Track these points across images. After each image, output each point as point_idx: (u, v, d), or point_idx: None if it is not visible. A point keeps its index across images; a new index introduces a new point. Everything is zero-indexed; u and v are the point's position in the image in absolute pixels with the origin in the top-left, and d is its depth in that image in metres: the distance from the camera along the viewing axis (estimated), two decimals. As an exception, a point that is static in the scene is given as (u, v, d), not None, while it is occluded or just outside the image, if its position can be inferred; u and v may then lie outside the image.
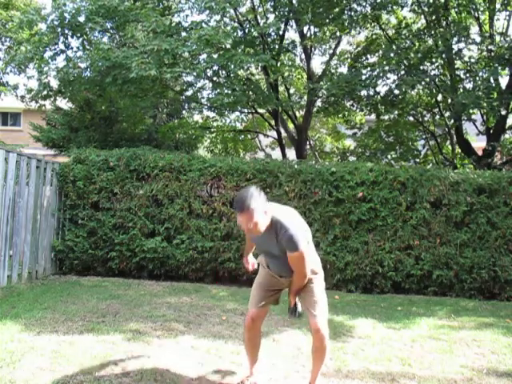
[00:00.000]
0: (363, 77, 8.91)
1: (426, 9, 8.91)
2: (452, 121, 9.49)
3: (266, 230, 2.54)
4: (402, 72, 8.77)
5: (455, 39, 8.60)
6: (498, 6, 8.95)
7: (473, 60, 9.18)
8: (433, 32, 9.03)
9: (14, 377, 2.82)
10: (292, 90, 13.44)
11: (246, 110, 11.75)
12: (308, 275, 2.65)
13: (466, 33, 8.65)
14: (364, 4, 9.24)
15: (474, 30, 9.67)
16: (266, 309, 2.89)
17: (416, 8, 9.32)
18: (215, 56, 8.27)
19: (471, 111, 8.82)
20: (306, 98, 11.45)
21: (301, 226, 2.63)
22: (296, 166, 6.58)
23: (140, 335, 3.76)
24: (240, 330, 4.07)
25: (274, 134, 12.84)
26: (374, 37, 10.72)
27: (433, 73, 9.18)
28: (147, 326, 4.05)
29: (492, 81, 8.62)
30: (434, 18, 9.19)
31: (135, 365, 3.13)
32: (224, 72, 9.25)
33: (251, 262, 3.10)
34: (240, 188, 6.46)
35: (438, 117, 10.92)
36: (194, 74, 8.63)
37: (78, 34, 8.80)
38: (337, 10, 9.14)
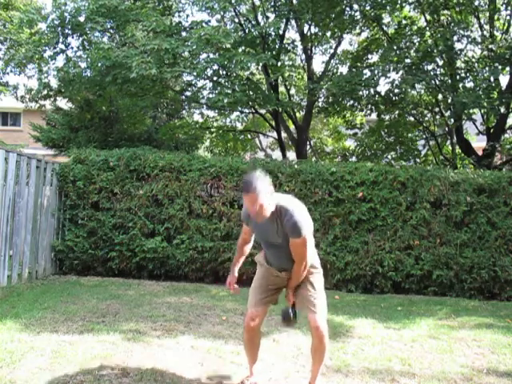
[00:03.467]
0: (364, 76, 8.91)
1: (427, 8, 8.90)
2: (452, 120, 9.49)
3: (269, 217, 2.52)
4: (402, 72, 8.76)
5: (455, 38, 8.61)
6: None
7: (473, 59, 9.18)
8: (433, 31, 9.03)
9: (14, 377, 2.82)
10: (292, 91, 13.44)
11: (246, 110, 11.75)
12: (308, 266, 2.65)
13: (467, 32, 8.66)
14: (364, 4, 9.23)
15: (475, 29, 9.68)
16: (266, 309, 2.86)
17: (416, 6, 9.31)
18: (215, 56, 8.27)
19: (471, 111, 8.82)
20: (306, 98, 11.45)
21: (305, 213, 2.60)
22: (296, 166, 6.58)
23: (140, 335, 3.76)
24: (240, 329, 4.07)
25: (274, 134, 12.83)
26: (374, 36, 10.71)
27: (433, 72, 9.17)
28: (147, 326, 4.05)
29: (492, 80, 8.62)
30: (434, 17, 9.19)
31: (135, 365, 3.12)
32: (224, 72, 9.25)
33: (234, 283, 2.95)
34: (240, 188, 6.47)
35: (438, 116, 10.92)
36: (194, 73, 8.64)
37: (78, 34, 8.81)
38: (337, 9, 9.14)
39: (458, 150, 10.87)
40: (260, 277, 2.87)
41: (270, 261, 2.80)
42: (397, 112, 10.77)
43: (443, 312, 5.25)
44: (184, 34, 8.75)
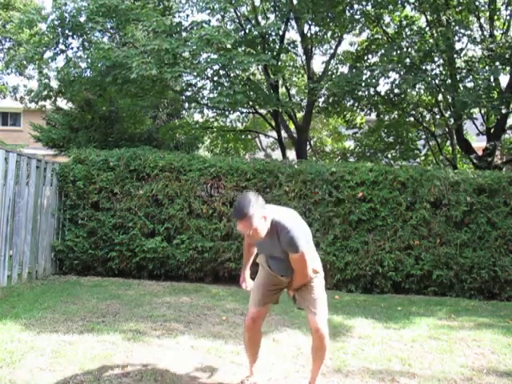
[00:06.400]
0: (364, 76, 8.91)
1: (427, 8, 8.90)
2: (452, 120, 9.49)
3: (267, 234, 2.55)
4: (403, 71, 8.77)
5: (456, 38, 8.61)
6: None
7: (474, 59, 9.18)
8: (434, 31, 9.03)
9: (14, 377, 2.82)
10: (293, 91, 13.43)
11: (246, 110, 11.73)
12: (309, 275, 2.66)
13: (467, 32, 8.66)
14: (365, 3, 9.24)
15: (475, 29, 9.68)
16: (267, 308, 2.88)
17: (417, 6, 9.31)
18: (216, 56, 8.27)
19: (472, 110, 8.82)
20: (306, 98, 11.45)
21: (301, 227, 2.63)
22: (296, 166, 6.58)
23: (140, 335, 3.76)
24: (240, 329, 4.07)
25: (274, 134, 12.83)
26: (375, 36, 10.71)
27: (433, 72, 9.18)
28: (147, 326, 4.05)
29: (492, 80, 8.62)
30: (434, 16, 9.19)
31: (135, 365, 3.13)
32: (224, 72, 9.25)
33: (248, 281, 3.02)
34: (240, 188, 6.47)
35: (438, 116, 10.92)
36: (195, 73, 8.64)
37: (78, 34, 8.80)
38: (338, 9, 9.14)
39: (458, 149, 10.87)
40: (262, 277, 2.88)
41: (272, 267, 2.82)
42: (396, 112, 10.77)
43: (443, 312, 5.25)
44: (184, 34, 8.74)
